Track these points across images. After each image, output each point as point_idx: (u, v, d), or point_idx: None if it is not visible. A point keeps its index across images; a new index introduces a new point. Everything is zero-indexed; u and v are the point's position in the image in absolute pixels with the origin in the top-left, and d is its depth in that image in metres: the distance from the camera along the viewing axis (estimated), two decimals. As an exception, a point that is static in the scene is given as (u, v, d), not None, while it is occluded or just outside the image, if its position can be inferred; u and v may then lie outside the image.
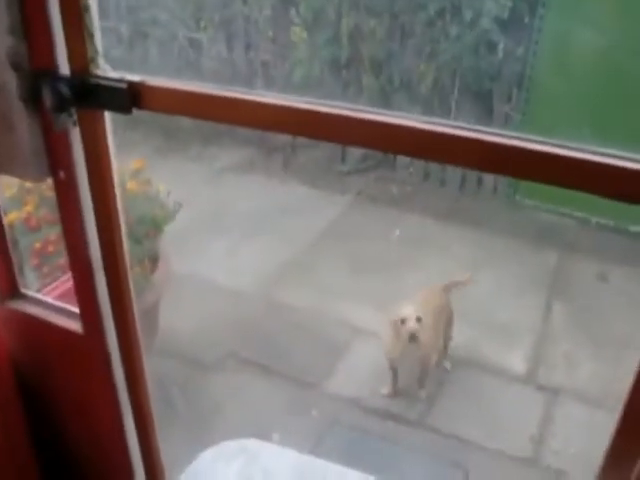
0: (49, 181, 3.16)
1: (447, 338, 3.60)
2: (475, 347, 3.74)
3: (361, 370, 3.58)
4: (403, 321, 3.18)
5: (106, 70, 1.26)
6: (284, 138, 5.61)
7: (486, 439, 3.18)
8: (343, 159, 5.64)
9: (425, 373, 3.45)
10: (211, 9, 5.97)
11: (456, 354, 3.67)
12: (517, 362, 3.66)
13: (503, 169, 1.11)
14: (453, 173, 5.32)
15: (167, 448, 1.96)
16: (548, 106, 4.80)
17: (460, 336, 3.74)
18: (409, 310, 3.21)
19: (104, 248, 1.50)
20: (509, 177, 4.92)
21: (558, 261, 4.54)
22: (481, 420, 3.30)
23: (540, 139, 1.01)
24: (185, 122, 5.81)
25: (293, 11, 5.65)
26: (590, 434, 3.15)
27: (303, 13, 5.48)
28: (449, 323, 3.58)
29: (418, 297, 3.44)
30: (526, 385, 3.53)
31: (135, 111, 1.27)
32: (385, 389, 3.47)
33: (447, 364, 3.62)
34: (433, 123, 1.08)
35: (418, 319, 3.17)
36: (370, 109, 1.10)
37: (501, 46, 4.84)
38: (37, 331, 1.78)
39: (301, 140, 5.57)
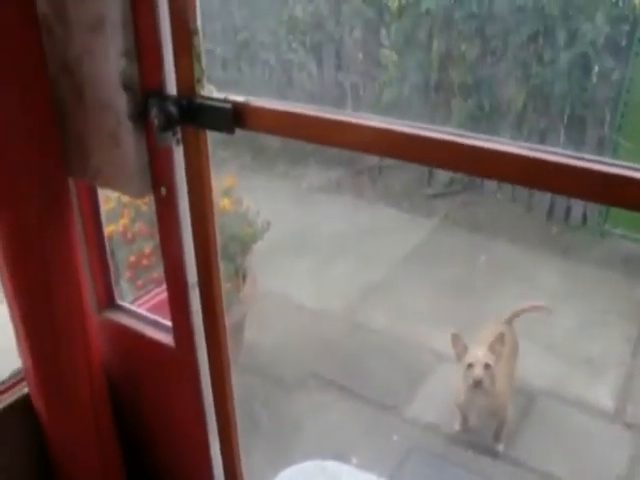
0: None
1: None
2: (560, 380, 3.61)
3: (442, 396, 3.50)
4: (470, 365, 2.96)
5: (211, 90, 1.31)
6: (371, 160, 5.62)
7: (570, 476, 3.07)
8: (429, 182, 5.60)
9: (501, 425, 3.20)
10: (302, 31, 6.04)
11: (540, 386, 3.56)
12: (604, 397, 3.52)
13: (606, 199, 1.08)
14: (541, 199, 5.21)
15: (247, 463, 1.97)
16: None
17: (544, 368, 3.63)
18: (478, 354, 2.97)
19: (200, 264, 1.54)
20: (601, 205, 4.78)
21: (649, 293, 4.37)
22: (565, 456, 3.18)
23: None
24: (273, 142, 5.89)
25: (383, 33, 5.67)
26: (682, 478, 3.02)
27: (393, 36, 5.49)
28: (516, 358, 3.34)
29: (488, 331, 3.18)
30: (613, 422, 3.39)
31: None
32: (456, 425, 3.31)
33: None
34: (530, 149, 1.06)
35: (487, 366, 2.94)
36: (468, 134, 1.10)
37: (596, 70, 4.71)
38: (130, 341, 1.83)
39: (388, 162, 5.55)
